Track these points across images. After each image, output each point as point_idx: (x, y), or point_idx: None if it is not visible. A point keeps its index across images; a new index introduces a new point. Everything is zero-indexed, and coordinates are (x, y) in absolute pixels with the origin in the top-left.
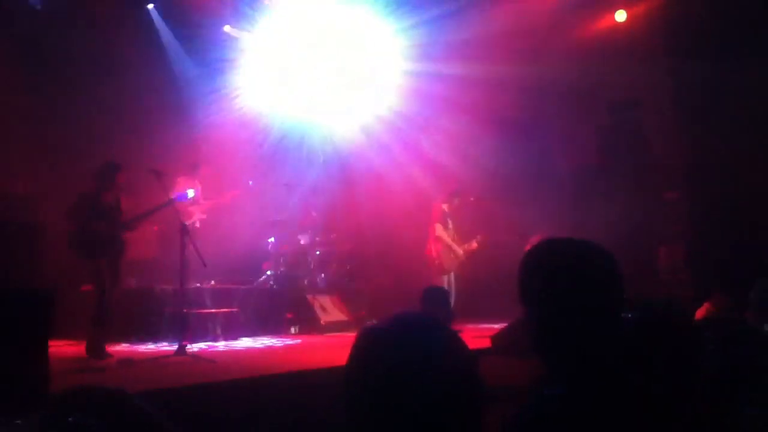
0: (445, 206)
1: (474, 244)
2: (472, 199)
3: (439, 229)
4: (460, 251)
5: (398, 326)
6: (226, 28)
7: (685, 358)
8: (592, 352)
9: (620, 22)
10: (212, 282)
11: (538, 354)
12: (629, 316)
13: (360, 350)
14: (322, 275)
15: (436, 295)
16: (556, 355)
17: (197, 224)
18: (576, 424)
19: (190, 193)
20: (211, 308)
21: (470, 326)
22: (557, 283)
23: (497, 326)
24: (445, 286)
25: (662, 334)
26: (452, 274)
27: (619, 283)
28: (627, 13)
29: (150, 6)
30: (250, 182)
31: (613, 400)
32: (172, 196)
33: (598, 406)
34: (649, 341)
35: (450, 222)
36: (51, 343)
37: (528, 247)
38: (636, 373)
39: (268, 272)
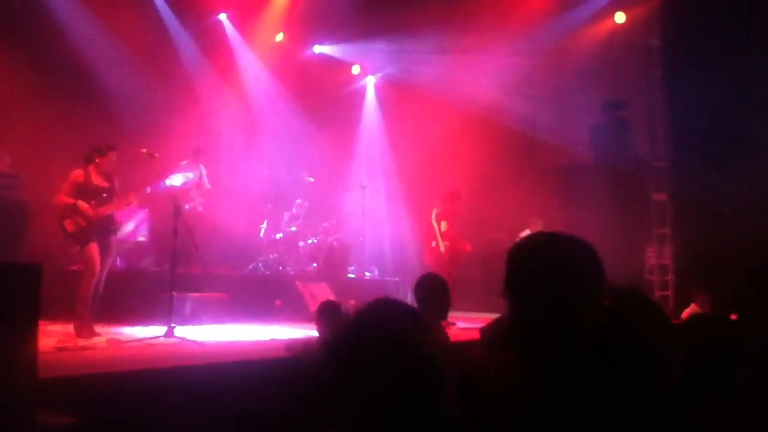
0: (447, 206)
1: (469, 246)
2: (465, 193)
3: (444, 226)
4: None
5: (368, 313)
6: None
7: (643, 350)
8: (567, 343)
9: (619, 24)
10: (203, 266)
11: (516, 345)
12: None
13: (333, 336)
14: (313, 264)
15: (432, 284)
16: (533, 345)
17: (200, 208)
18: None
19: (174, 180)
20: (201, 292)
21: (462, 318)
22: (536, 275)
23: (490, 317)
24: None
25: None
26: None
27: (598, 273)
28: (626, 15)
29: None
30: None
31: (584, 392)
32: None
33: (571, 399)
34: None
35: (454, 219)
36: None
37: (524, 231)
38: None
39: (260, 259)
